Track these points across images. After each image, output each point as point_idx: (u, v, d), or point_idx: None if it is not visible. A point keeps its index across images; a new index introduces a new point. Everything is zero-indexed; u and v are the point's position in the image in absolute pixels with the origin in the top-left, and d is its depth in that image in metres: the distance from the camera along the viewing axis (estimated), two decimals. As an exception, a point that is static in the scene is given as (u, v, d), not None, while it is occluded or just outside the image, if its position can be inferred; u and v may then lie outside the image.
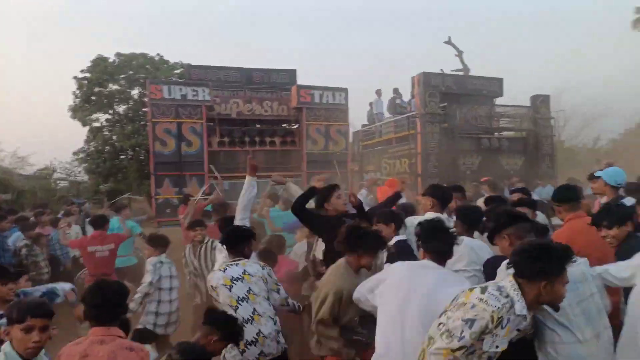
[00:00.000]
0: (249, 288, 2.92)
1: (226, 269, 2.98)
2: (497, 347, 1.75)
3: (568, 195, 3.16)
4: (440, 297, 2.04)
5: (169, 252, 4.45)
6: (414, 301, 2.12)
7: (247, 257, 3.15)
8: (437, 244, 2.31)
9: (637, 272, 2.27)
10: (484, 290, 1.82)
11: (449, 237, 2.34)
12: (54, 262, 6.25)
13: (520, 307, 1.76)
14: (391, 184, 6.18)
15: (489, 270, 2.49)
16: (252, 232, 3.26)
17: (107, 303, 1.99)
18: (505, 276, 1.93)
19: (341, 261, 2.69)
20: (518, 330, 1.82)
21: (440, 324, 1.84)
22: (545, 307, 1.92)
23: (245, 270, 2.97)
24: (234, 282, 2.90)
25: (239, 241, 3.13)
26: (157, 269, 4.16)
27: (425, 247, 2.35)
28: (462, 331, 1.73)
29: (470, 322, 1.72)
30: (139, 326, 4.10)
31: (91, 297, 2.00)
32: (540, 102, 12.26)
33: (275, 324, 2.93)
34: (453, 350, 1.73)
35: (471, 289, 1.87)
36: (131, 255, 6.36)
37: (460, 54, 16.41)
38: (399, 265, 2.38)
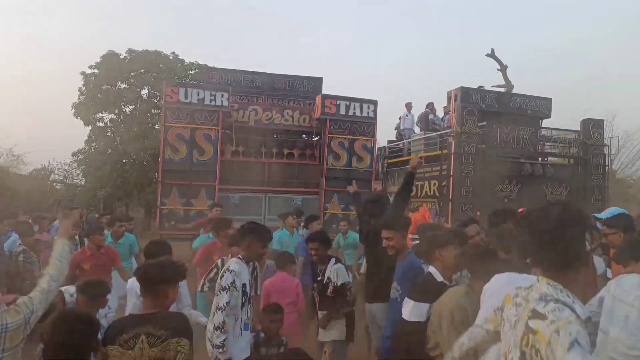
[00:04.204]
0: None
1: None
2: None
3: None
4: None
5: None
6: None
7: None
8: None
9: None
10: None
11: None
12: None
13: None
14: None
15: None
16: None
17: (72, 342, 1.75)
18: None
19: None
20: None
21: None
22: None
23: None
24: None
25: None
26: None
27: None
28: None
29: None
30: None
31: (53, 335, 1.76)
32: (593, 126, 11.14)
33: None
34: None
35: None
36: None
37: (503, 68, 15.07)
38: None
